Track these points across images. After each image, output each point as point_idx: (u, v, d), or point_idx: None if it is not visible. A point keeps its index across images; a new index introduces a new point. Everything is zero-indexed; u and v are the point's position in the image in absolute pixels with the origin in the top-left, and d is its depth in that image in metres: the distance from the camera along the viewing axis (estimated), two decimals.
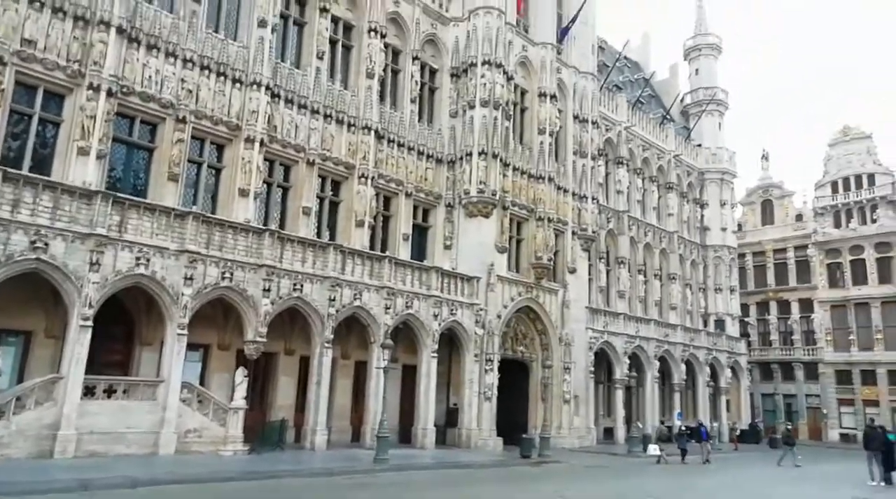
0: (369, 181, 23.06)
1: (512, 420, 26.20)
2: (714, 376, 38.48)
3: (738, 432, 35.49)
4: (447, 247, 25.97)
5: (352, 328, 21.71)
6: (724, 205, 42.56)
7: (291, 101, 21.64)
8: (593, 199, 31.09)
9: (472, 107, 26.01)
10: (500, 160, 26.22)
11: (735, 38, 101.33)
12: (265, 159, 20.65)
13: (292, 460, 16.58)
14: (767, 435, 38.65)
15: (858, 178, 45.34)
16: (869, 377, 42.74)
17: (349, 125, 23.09)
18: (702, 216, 42.12)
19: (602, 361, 32.18)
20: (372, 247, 23.24)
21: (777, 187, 49.06)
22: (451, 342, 24.83)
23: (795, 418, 44.68)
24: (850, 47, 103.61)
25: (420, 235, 26.04)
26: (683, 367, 35.59)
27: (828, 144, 47.07)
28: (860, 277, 43.95)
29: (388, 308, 21.17)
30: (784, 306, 46.78)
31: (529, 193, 27.87)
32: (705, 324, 40.29)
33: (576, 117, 31.09)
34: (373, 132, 23.37)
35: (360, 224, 22.67)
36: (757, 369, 46.01)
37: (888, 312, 42.61)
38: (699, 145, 42.90)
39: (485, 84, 26.06)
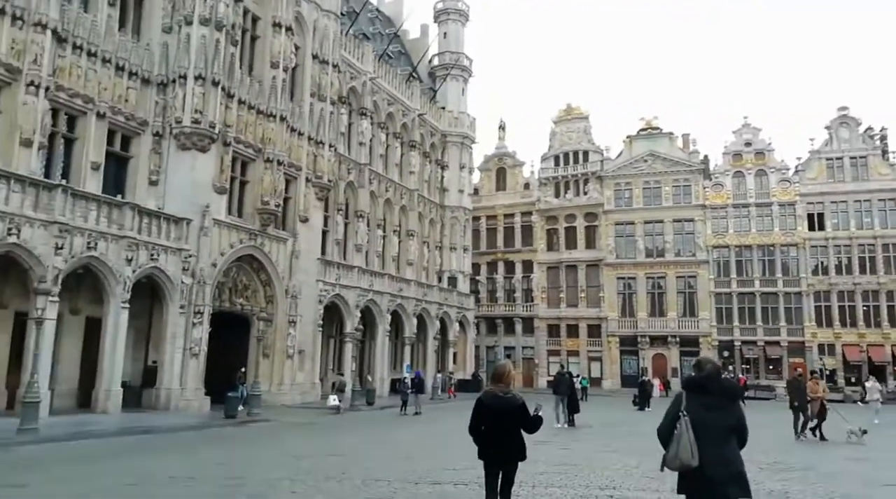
0: (42, 92, 18.54)
1: (229, 378, 24.02)
2: (443, 329, 40.26)
3: (454, 382, 36.80)
4: (153, 183, 22.47)
5: (9, 271, 17.47)
6: (463, 168, 44.34)
7: None
8: (331, 146, 29.63)
9: (189, 23, 22.54)
10: (223, 89, 23.29)
11: (485, 10, 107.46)
12: None
13: None
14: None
15: (576, 153, 50.64)
16: (573, 331, 48.62)
17: (14, 18, 18.23)
18: (442, 177, 43.36)
19: (333, 315, 31.32)
20: (48, 175, 18.95)
21: (510, 157, 52.74)
22: (153, 293, 21.65)
23: (513, 368, 49.16)
24: (583, 34, 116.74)
25: (119, 166, 22.12)
26: (415, 321, 36.45)
27: (553, 120, 51.75)
28: (571, 243, 49.50)
29: (60, 248, 17.29)
30: (510, 266, 50.84)
31: (258, 131, 25.41)
32: (439, 280, 41.83)
33: (315, 57, 29.12)
34: (49, 31, 18.76)
35: (26, 143, 18.19)
36: (483, 323, 49.51)
37: (591, 274, 48.72)
38: (443, 108, 43.90)
39: (205, 0, 22.76)
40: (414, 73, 41.85)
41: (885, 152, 45.80)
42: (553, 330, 49.08)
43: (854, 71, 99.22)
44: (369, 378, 31.49)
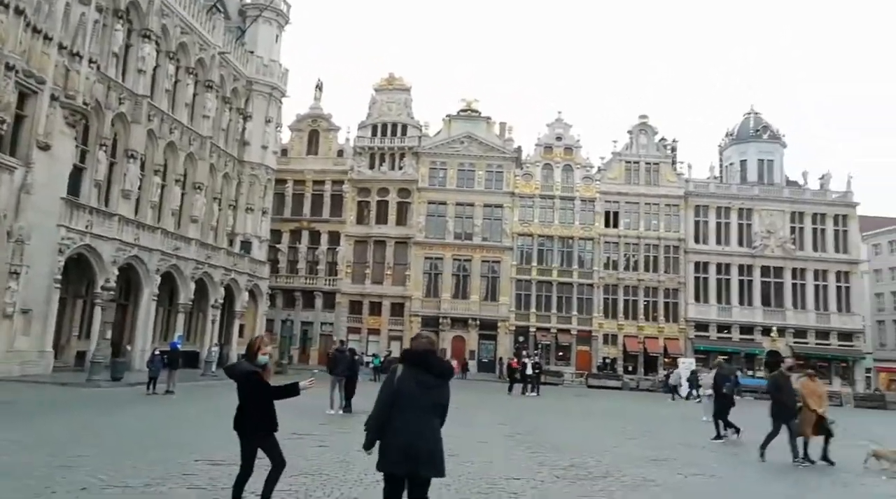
0: None
1: None
2: (230, 298, 35.88)
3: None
4: None
5: None
6: (270, 122, 39.88)
7: None
8: (93, 62, 24.07)
9: None
10: None
11: None
12: None
13: None
14: (282, 361, 37.93)
15: (395, 126, 48.51)
16: (376, 308, 46.61)
17: None
18: (243, 129, 38.58)
19: (86, 270, 25.82)
20: None
21: (325, 119, 49.11)
22: None
23: (310, 344, 46.25)
24: (415, 3, 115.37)
25: None
26: (193, 286, 31.72)
27: (374, 87, 49.10)
28: (382, 217, 47.40)
29: None
30: (315, 237, 47.43)
31: None
32: (231, 243, 37.23)
33: None
34: None
35: None
36: (280, 296, 45.73)
37: (399, 251, 47.05)
38: (252, 52, 39.12)
39: None
40: (219, 6, 36.54)
41: (674, 162, 49.84)
42: (355, 306, 46.71)
43: (656, 82, 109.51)
44: (128, 348, 26.62)
